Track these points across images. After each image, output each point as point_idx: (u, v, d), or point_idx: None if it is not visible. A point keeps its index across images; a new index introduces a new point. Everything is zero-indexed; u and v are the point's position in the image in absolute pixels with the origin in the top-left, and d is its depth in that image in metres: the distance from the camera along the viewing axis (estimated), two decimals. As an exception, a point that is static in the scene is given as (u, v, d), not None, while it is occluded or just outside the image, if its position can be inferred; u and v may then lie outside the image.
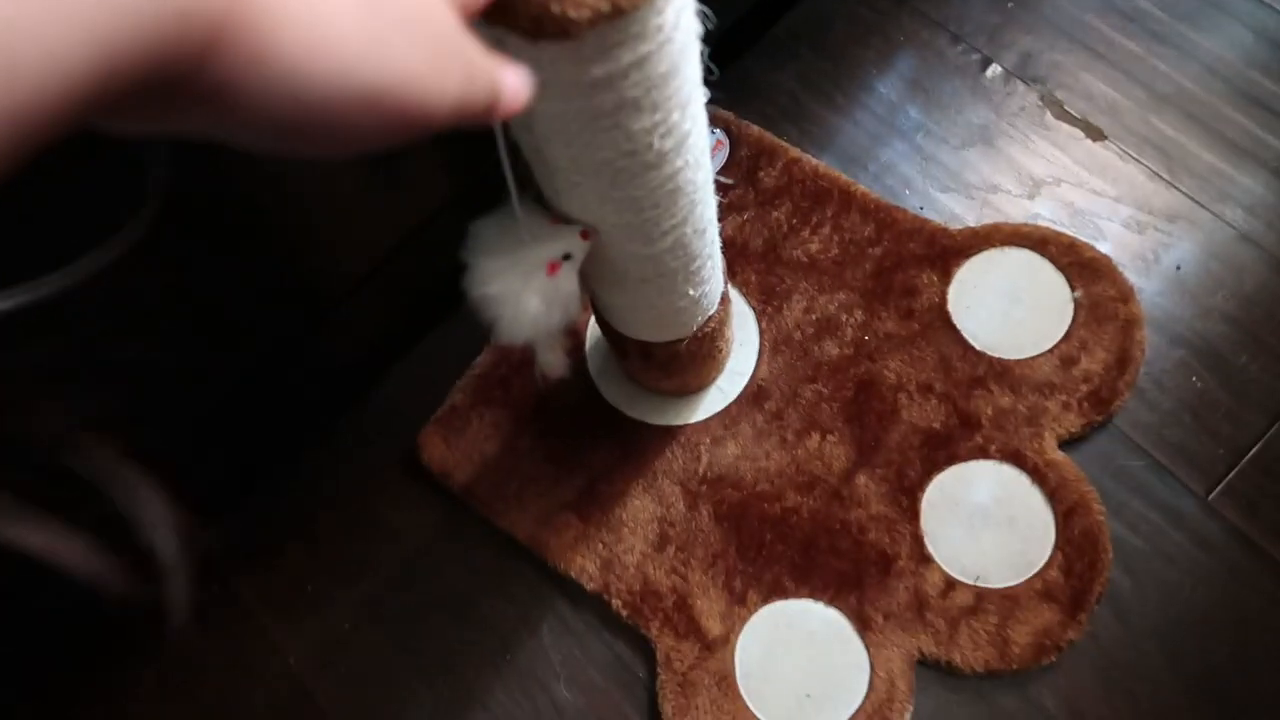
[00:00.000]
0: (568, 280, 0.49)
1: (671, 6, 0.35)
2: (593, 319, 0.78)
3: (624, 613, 0.72)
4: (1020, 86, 0.86)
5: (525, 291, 0.48)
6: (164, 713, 0.78)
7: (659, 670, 0.70)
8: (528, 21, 0.32)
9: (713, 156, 0.84)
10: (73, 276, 0.33)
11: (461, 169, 0.71)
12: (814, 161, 0.83)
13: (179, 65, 0.18)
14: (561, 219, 0.48)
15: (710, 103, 0.87)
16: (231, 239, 0.58)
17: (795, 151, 0.83)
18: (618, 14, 0.32)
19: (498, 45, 0.35)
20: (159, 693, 0.78)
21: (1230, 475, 0.71)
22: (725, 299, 0.66)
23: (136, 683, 0.78)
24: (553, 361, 0.58)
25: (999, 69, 0.87)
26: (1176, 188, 0.80)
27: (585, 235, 0.48)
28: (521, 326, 0.49)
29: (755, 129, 0.85)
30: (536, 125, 0.40)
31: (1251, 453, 0.71)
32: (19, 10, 0.15)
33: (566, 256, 0.48)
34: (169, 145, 0.33)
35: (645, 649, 0.72)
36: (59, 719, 0.79)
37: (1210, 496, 0.71)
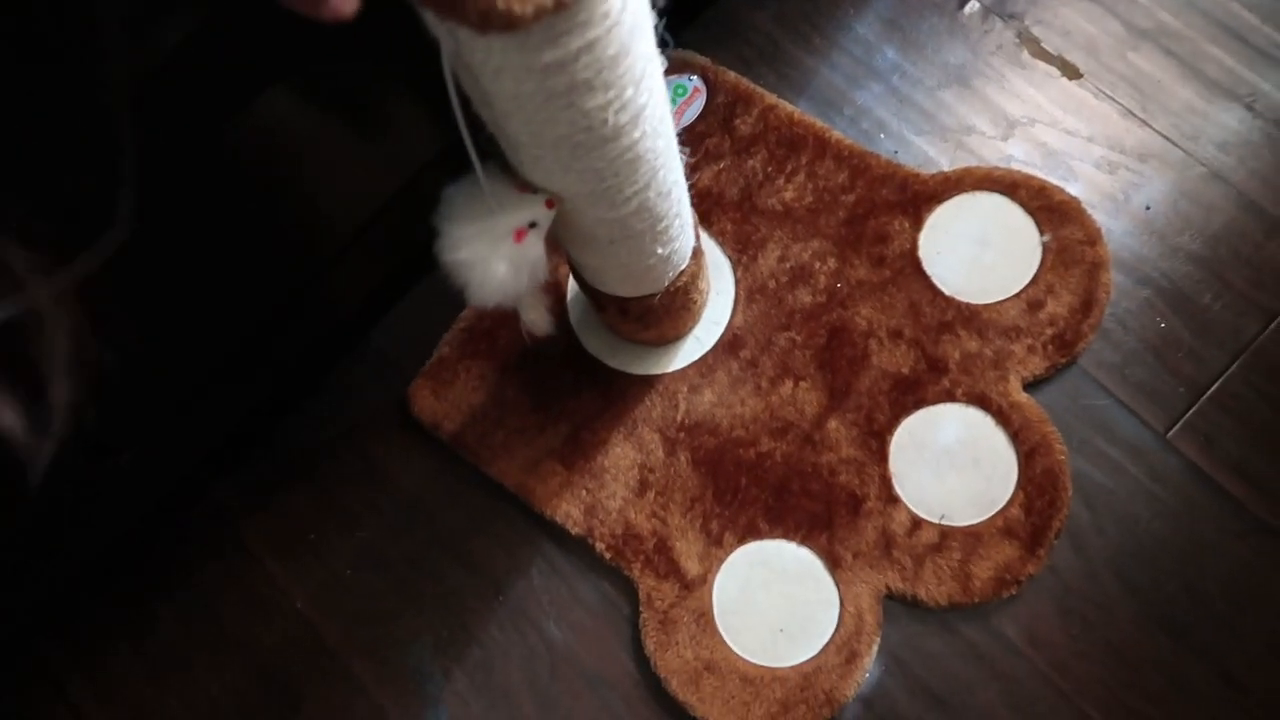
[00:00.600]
0: (534, 246, 0.51)
1: (617, -8, 0.36)
2: (571, 273, 0.79)
3: (607, 555, 0.75)
4: (998, 23, 0.85)
5: (493, 258, 0.50)
6: (183, 648, 0.82)
7: (641, 609, 0.73)
8: (475, 16, 0.33)
9: (690, 104, 0.85)
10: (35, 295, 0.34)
11: (450, 124, 0.72)
12: (789, 108, 0.83)
13: None
14: (527, 187, 0.50)
15: (688, 47, 0.88)
16: (225, 202, 0.60)
17: (771, 98, 0.84)
18: (561, 6, 0.33)
19: (449, 35, 0.36)
20: (177, 630, 0.82)
21: (1189, 413, 0.73)
22: (697, 253, 0.68)
23: (154, 619, 0.82)
24: (537, 320, 0.60)
25: (976, 5, 0.86)
26: (1150, 126, 0.81)
27: (550, 204, 0.50)
28: (490, 291, 0.51)
29: (732, 75, 0.85)
30: (495, 104, 0.42)
31: (1211, 391, 0.74)
32: None
33: (533, 224, 0.50)
34: (138, 159, 0.34)
35: (629, 589, 0.75)
36: (84, 655, 0.83)
37: (1169, 433, 0.73)
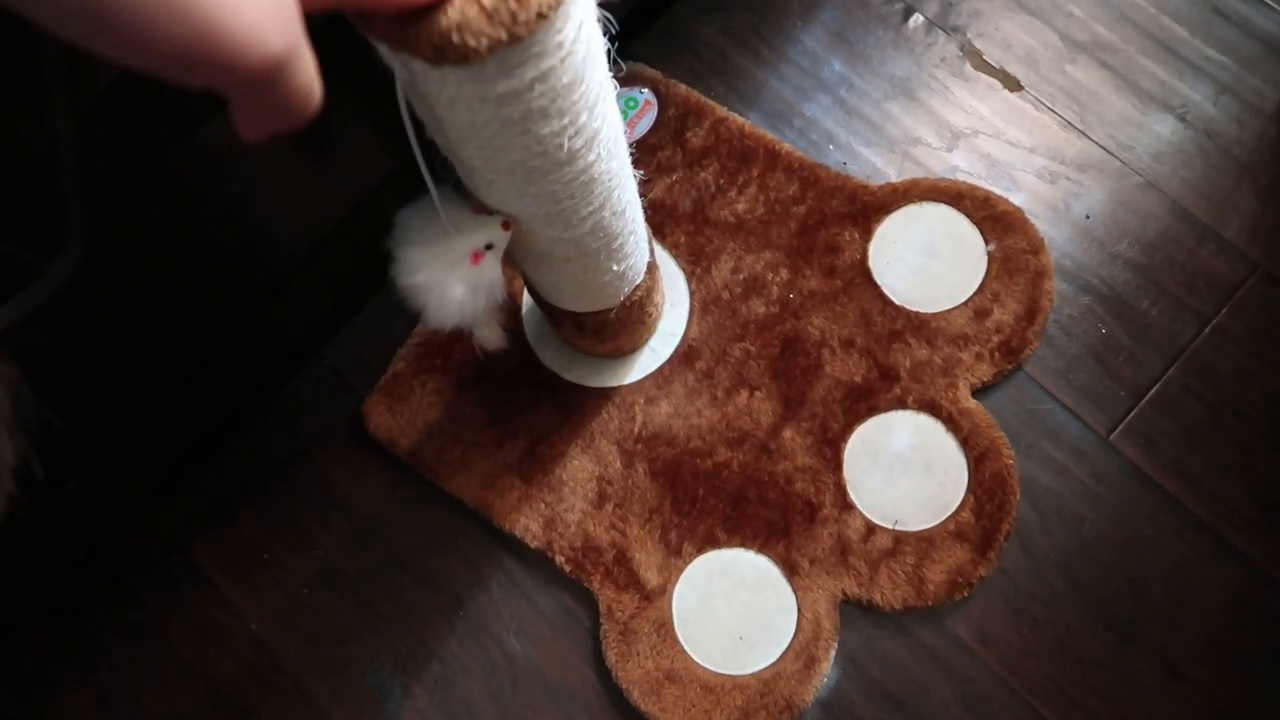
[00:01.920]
0: (491, 268, 0.51)
1: (570, 24, 0.36)
2: (526, 288, 0.79)
3: (567, 568, 0.75)
4: (941, 36, 0.87)
5: (450, 280, 0.50)
6: (136, 681, 0.80)
7: (602, 620, 0.74)
8: (430, 49, 0.33)
9: (641, 117, 0.85)
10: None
11: (404, 145, 0.71)
12: (740, 120, 0.84)
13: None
14: (483, 209, 0.50)
15: (639, 59, 0.88)
16: (176, 228, 0.59)
17: (722, 110, 0.85)
18: (515, 39, 0.33)
19: (403, 66, 0.36)
20: (130, 660, 0.81)
21: (1130, 415, 0.76)
22: (652, 267, 0.68)
23: (107, 653, 0.81)
24: (489, 336, 0.60)
25: (920, 18, 0.88)
26: (1088, 136, 0.83)
27: (506, 226, 0.50)
28: (448, 313, 0.51)
29: (683, 88, 0.86)
30: (449, 131, 0.42)
31: (1150, 394, 0.76)
32: None
33: (489, 246, 0.50)
34: (83, 185, 0.33)
35: (589, 601, 0.76)
36: (32, 687, 0.81)
37: (1111, 436, 0.76)
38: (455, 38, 0.32)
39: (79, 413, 0.63)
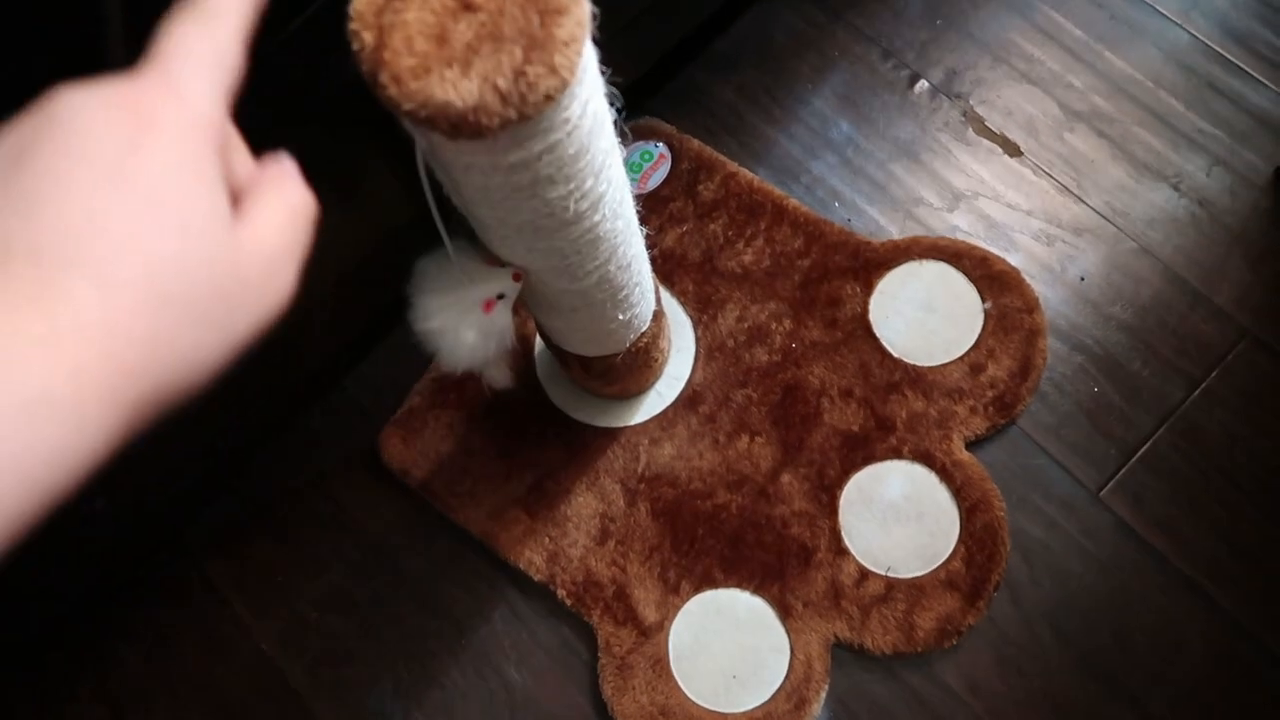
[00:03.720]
0: (502, 316, 0.55)
1: (576, 102, 0.40)
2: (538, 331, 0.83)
3: (568, 601, 0.78)
4: (945, 102, 0.91)
5: (462, 327, 0.53)
6: (148, 691, 0.83)
7: (600, 654, 0.76)
8: (447, 126, 0.36)
9: (655, 170, 0.89)
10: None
11: (421, 197, 0.75)
12: (750, 175, 0.88)
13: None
14: (495, 261, 0.53)
15: (655, 115, 0.92)
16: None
17: (733, 165, 0.89)
18: (525, 118, 0.37)
19: (422, 136, 0.40)
20: (143, 672, 0.84)
21: (1120, 472, 0.78)
22: (658, 315, 0.72)
23: (121, 665, 0.84)
24: (497, 377, 0.63)
25: (926, 84, 0.92)
26: (1085, 202, 0.86)
27: (517, 277, 0.53)
28: (460, 357, 0.55)
29: (696, 143, 0.90)
30: (463, 192, 0.45)
31: (1140, 452, 0.78)
32: None
33: (500, 295, 0.54)
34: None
35: (588, 635, 0.78)
36: (46, 698, 0.84)
37: (1101, 492, 0.78)
38: (470, 116, 0.36)
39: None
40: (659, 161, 0.89)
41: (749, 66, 0.94)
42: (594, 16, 0.38)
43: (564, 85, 0.37)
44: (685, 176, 0.88)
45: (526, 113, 0.37)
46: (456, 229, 0.51)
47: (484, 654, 0.80)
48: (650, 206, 0.87)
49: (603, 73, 0.44)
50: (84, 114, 0.23)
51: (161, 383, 0.23)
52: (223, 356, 0.25)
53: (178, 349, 0.23)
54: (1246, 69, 0.88)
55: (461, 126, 0.36)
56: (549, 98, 0.37)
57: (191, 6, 0.26)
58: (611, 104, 0.46)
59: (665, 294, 0.84)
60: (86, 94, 0.23)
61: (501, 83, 0.35)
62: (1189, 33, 0.90)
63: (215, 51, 0.26)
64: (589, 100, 0.42)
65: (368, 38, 0.36)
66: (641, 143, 0.90)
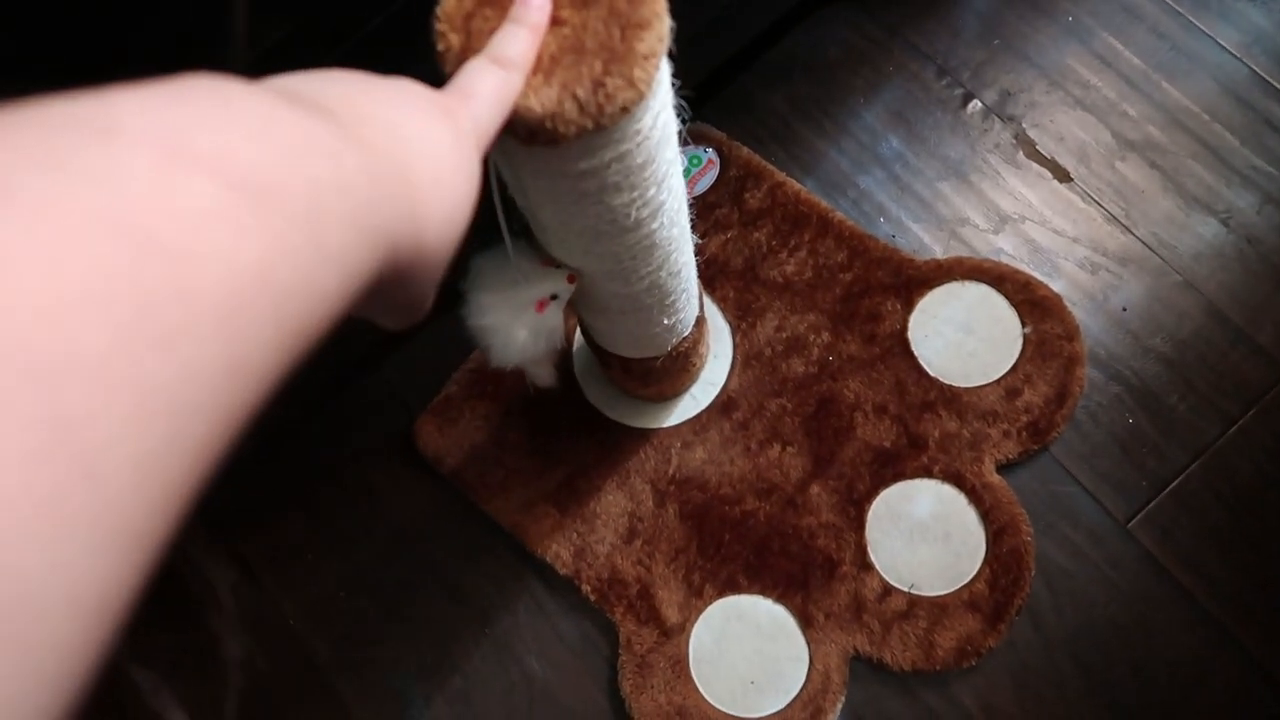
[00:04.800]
0: (554, 316, 0.55)
1: (649, 113, 0.41)
2: (579, 329, 0.84)
3: (592, 597, 0.79)
4: (997, 123, 0.91)
5: (515, 325, 0.54)
6: (180, 664, 0.85)
7: (620, 651, 0.77)
8: (524, 132, 0.37)
9: (703, 175, 0.90)
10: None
11: (485, 197, 0.76)
12: (797, 186, 0.88)
13: (392, 264, 0.25)
14: (551, 262, 0.54)
15: (704, 121, 0.93)
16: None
17: (780, 175, 0.89)
18: (600, 128, 0.38)
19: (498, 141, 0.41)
20: (172, 645, 0.85)
21: (1149, 506, 0.78)
22: (700, 321, 0.72)
23: (147, 627, 0.86)
24: (542, 374, 0.64)
25: (979, 105, 0.92)
26: (1132, 232, 0.86)
27: (572, 279, 0.54)
28: (510, 354, 0.56)
29: (745, 151, 0.90)
30: (529, 194, 0.46)
31: (1171, 486, 0.78)
32: (333, 239, 0.21)
33: (554, 296, 0.55)
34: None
35: (609, 631, 0.79)
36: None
37: (1130, 524, 0.78)
38: (548, 124, 0.37)
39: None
40: (707, 167, 0.90)
41: (801, 78, 0.95)
42: (672, 30, 0.39)
43: (640, 98, 0.38)
44: (733, 184, 0.89)
45: (602, 123, 0.37)
46: (514, 229, 0.52)
47: (506, 644, 0.81)
48: (696, 212, 0.88)
49: (673, 85, 0.45)
50: (416, 87, 0.30)
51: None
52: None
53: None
54: (1304, 108, 0.87)
55: (538, 133, 0.37)
56: (625, 109, 0.38)
57: (490, 59, 0.35)
58: (679, 116, 0.47)
59: (706, 299, 0.85)
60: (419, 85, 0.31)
61: (580, 92, 0.36)
62: (1249, 67, 0.89)
63: (499, 93, 0.34)
64: (660, 112, 0.42)
65: (454, 40, 0.37)
66: (690, 147, 0.91)
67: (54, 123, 0.16)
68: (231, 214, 0.18)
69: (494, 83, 0.34)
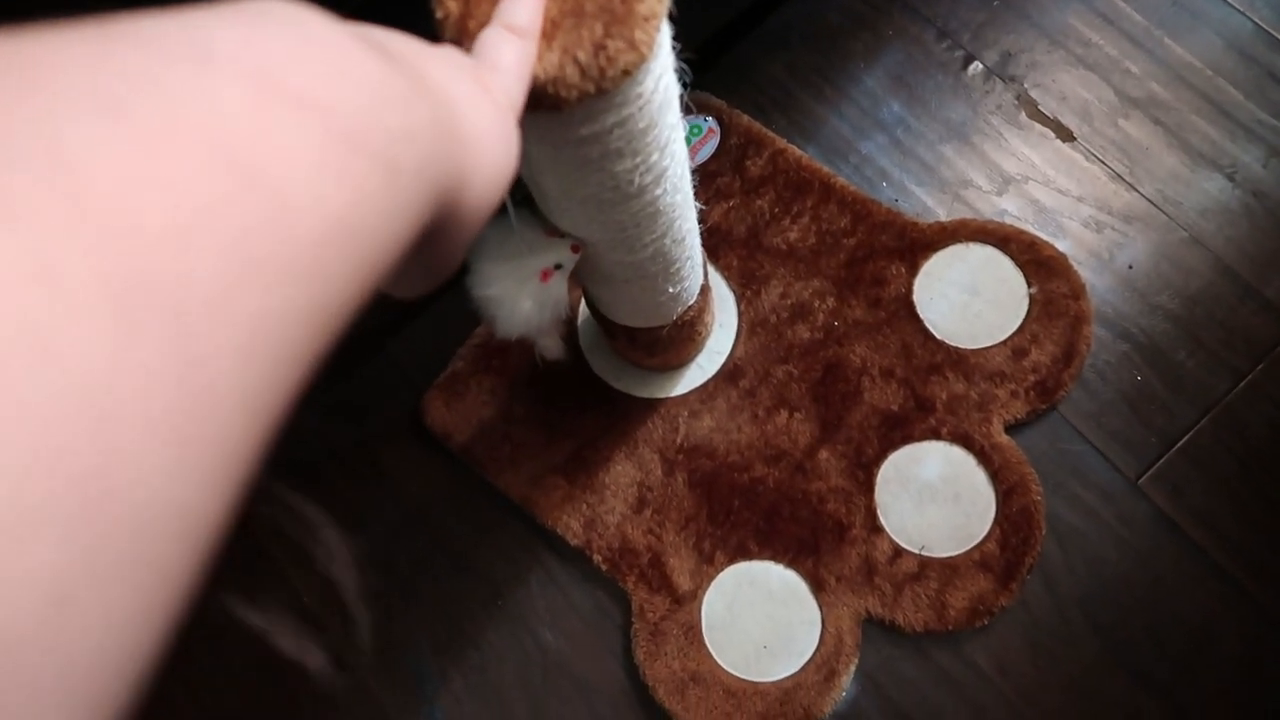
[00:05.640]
0: (558, 286, 0.55)
1: (651, 77, 0.41)
2: (584, 301, 0.84)
3: (604, 567, 0.79)
4: (999, 85, 0.90)
5: (520, 295, 0.54)
6: (189, 638, 0.86)
7: (633, 620, 0.78)
8: (527, 97, 0.37)
9: (704, 144, 0.89)
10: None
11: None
12: (798, 152, 0.88)
13: (437, 220, 0.25)
14: (555, 232, 0.54)
15: (704, 89, 0.92)
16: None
17: (781, 142, 0.88)
18: (602, 92, 0.38)
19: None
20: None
21: (1159, 463, 0.78)
22: (705, 290, 0.72)
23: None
24: (550, 346, 0.64)
25: (980, 66, 0.91)
26: (1137, 190, 0.85)
27: (576, 249, 0.54)
28: (515, 325, 0.56)
29: (745, 118, 0.90)
30: (532, 162, 0.46)
31: (1180, 443, 0.78)
32: (379, 198, 0.20)
33: (558, 266, 0.54)
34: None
35: (622, 600, 0.80)
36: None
37: (1140, 481, 0.78)
38: (550, 89, 0.36)
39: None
40: (708, 136, 0.89)
41: (801, 44, 0.94)
42: (671, -8, 0.39)
43: (642, 60, 0.37)
44: (734, 152, 0.88)
45: (604, 86, 0.37)
46: (517, 197, 0.51)
47: (519, 616, 0.82)
48: (698, 181, 0.87)
49: (674, 49, 0.44)
50: (460, 55, 0.31)
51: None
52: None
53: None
54: (1309, 59, 0.86)
55: (540, 99, 0.37)
56: (626, 72, 0.37)
57: (504, 28, 0.35)
58: (680, 80, 0.46)
59: (710, 269, 0.85)
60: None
61: (582, 56, 0.36)
62: (1252, 21, 0.88)
63: (521, 63, 0.34)
64: (662, 75, 0.42)
65: (453, 7, 0.37)
66: (691, 117, 0.90)
67: (150, 44, 0.16)
68: (326, 157, 0.18)
69: (515, 53, 0.34)
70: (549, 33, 0.36)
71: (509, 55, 0.34)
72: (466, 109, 0.27)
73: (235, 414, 0.15)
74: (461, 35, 0.36)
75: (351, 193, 0.18)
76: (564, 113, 0.39)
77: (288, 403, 0.17)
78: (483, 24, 0.36)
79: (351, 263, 0.19)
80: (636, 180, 0.47)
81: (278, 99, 0.17)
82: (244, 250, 0.15)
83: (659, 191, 0.50)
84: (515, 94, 0.33)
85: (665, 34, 0.41)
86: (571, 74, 0.36)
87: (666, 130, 0.46)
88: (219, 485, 0.15)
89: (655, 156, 0.46)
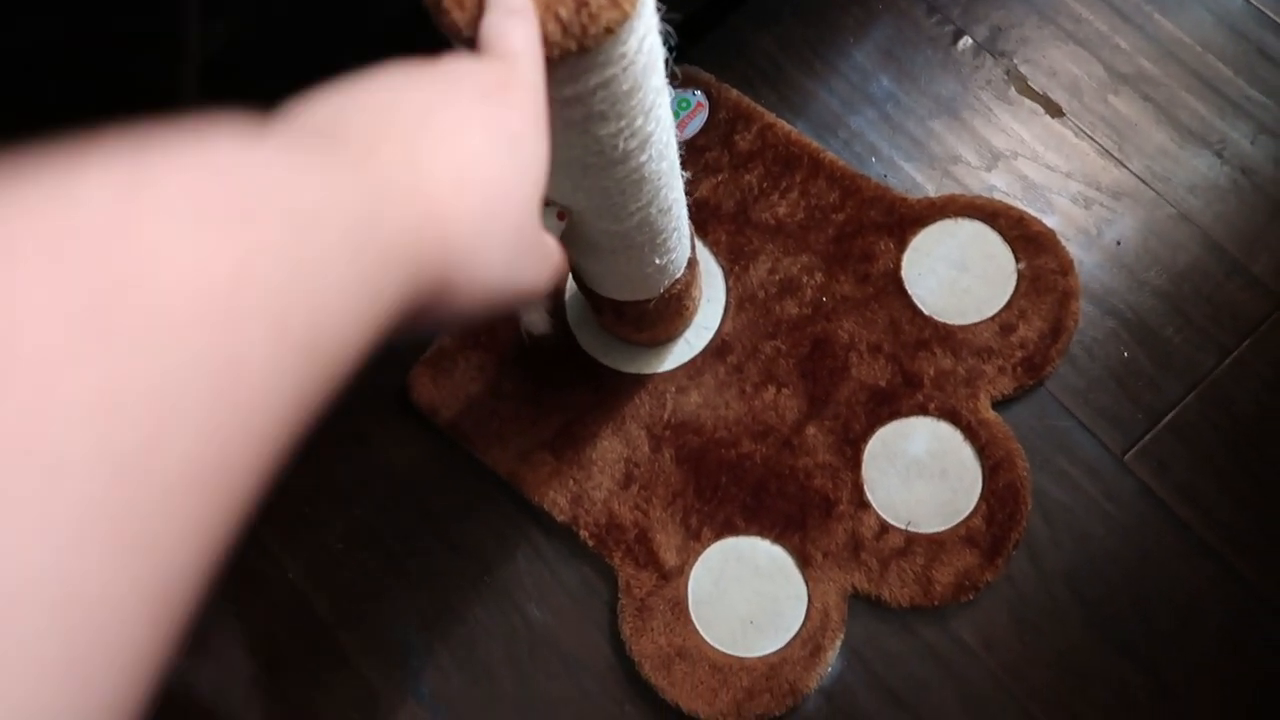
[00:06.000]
0: (543, 255, 0.55)
1: (635, 36, 0.40)
2: (570, 275, 0.83)
3: (590, 543, 0.79)
4: (988, 60, 0.90)
5: (504, 264, 0.54)
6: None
7: (620, 595, 0.78)
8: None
9: (693, 118, 0.89)
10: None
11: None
12: (787, 127, 0.87)
13: (415, 308, 0.25)
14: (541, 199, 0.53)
15: (694, 63, 0.91)
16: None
17: (770, 116, 0.88)
18: (584, 50, 0.37)
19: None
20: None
21: (1146, 438, 0.78)
22: (692, 263, 0.72)
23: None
24: (536, 320, 0.64)
25: (969, 41, 0.90)
26: (1125, 166, 0.85)
27: (562, 215, 0.54)
28: (500, 295, 0.55)
29: (734, 93, 0.89)
30: (515, 126, 0.45)
31: (1167, 419, 0.78)
32: (329, 288, 0.20)
33: (542, 234, 0.54)
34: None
35: (609, 576, 0.80)
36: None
37: (1126, 456, 0.78)
38: (531, 45, 0.36)
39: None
40: (696, 110, 0.89)
41: (791, 17, 0.93)
42: (655, -51, 0.38)
43: (625, 17, 0.37)
44: (722, 126, 0.88)
45: (586, 44, 0.37)
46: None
47: (506, 591, 0.82)
48: (686, 155, 0.86)
49: (658, 9, 0.44)
50: (467, 77, 0.30)
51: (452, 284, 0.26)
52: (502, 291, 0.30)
53: (478, 260, 0.27)
54: (1299, 35, 0.86)
55: (521, 55, 0.36)
56: (609, 30, 0.37)
57: (505, 11, 0.34)
58: (665, 43, 0.46)
59: (698, 243, 0.84)
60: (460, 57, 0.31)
61: (563, 12, 0.35)
62: (1242, -4, 0.88)
63: (531, 42, 0.34)
64: (646, 36, 0.41)
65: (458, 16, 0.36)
66: (680, 90, 0.89)
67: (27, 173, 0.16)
68: (194, 234, 0.17)
69: (524, 34, 0.33)
70: (530, -13, 0.35)
71: (519, 37, 0.33)
72: (453, 158, 0.27)
73: (180, 550, 0.16)
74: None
75: (241, 256, 0.18)
76: (545, 72, 0.38)
77: (256, 497, 0.18)
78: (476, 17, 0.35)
79: (265, 319, 0.18)
80: (621, 145, 0.46)
81: (146, 203, 0.17)
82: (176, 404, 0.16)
83: (644, 158, 0.49)
84: (536, 75, 0.33)
85: (649, -8, 0.40)
86: (553, 31, 0.36)
87: (651, 94, 0.46)
88: (160, 617, 0.16)
89: (640, 121, 0.46)
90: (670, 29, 0.45)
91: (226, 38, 0.46)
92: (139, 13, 0.40)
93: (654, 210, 0.56)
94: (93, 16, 0.39)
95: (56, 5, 0.38)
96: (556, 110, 0.42)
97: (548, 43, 0.36)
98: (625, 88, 0.42)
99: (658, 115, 0.48)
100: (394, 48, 0.60)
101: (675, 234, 0.62)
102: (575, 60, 0.38)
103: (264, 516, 0.86)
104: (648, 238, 0.59)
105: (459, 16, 0.36)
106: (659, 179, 0.53)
